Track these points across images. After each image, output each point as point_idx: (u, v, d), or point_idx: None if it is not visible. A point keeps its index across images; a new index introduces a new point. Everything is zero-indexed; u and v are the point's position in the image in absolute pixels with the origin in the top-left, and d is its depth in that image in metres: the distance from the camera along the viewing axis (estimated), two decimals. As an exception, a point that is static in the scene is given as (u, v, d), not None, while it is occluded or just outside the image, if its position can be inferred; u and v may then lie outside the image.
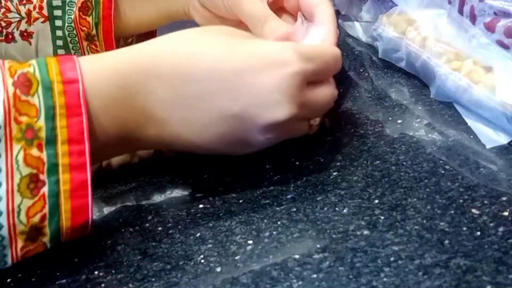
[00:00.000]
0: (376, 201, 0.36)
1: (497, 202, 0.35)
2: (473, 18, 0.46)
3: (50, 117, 0.32)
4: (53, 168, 0.32)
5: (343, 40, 0.65)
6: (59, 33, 0.53)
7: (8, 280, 0.34)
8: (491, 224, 0.33)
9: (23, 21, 0.52)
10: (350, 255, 0.32)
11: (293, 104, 0.36)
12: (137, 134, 0.37)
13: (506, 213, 0.34)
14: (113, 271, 0.34)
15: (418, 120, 0.45)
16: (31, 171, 0.32)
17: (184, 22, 0.52)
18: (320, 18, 0.46)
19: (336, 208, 0.36)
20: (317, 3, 0.46)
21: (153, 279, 0.33)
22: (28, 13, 0.52)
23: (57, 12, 0.52)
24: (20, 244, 0.32)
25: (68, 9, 0.52)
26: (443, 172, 0.38)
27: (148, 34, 0.59)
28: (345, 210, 0.36)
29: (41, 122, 0.32)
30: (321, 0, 0.46)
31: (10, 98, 0.32)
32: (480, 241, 0.32)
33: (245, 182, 0.40)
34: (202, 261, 0.34)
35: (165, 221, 0.38)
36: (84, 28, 0.52)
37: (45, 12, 0.52)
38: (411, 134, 0.43)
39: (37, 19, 0.52)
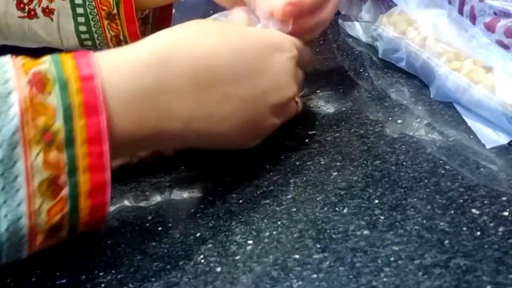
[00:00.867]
0: (376, 201, 0.36)
1: (497, 202, 0.35)
2: (473, 18, 0.46)
3: (68, 117, 0.32)
4: (73, 170, 0.32)
5: (343, 40, 0.65)
6: (79, 10, 0.52)
7: (8, 280, 0.34)
8: (491, 224, 0.33)
9: None
10: (350, 255, 0.32)
11: (295, 83, 0.42)
12: (158, 132, 0.36)
13: (506, 213, 0.34)
14: (113, 271, 0.34)
15: (418, 120, 0.45)
16: (51, 173, 0.31)
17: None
18: None
19: (336, 208, 0.36)
20: None
21: (153, 279, 0.33)
22: None
23: None
24: (39, 240, 0.32)
25: None
26: (443, 172, 0.38)
27: (164, 9, 0.59)
28: (345, 210, 0.36)
29: (59, 123, 0.31)
30: None
31: (26, 98, 0.31)
32: (480, 241, 0.32)
33: (245, 182, 0.40)
34: (202, 261, 0.34)
35: (165, 221, 0.38)
36: (104, 8, 0.51)
37: None
38: (411, 134, 0.43)
39: None
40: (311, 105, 0.50)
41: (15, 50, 0.36)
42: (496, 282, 0.29)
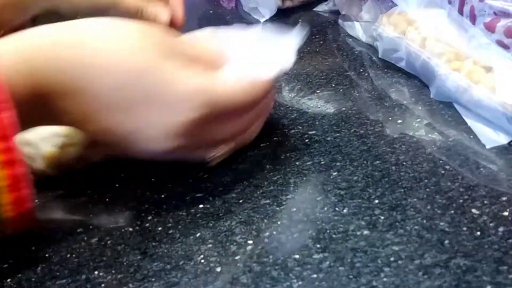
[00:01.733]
0: (376, 201, 0.36)
1: (497, 202, 0.35)
2: (473, 18, 0.46)
3: None
4: None
5: (343, 40, 0.65)
6: None
7: (8, 280, 0.34)
8: (491, 224, 0.33)
9: None
10: (350, 255, 0.32)
11: (182, 139, 0.37)
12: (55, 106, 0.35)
13: (506, 213, 0.34)
14: (113, 271, 0.34)
15: (418, 120, 0.45)
16: None
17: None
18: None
19: (336, 208, 0.36)
20: None
21: (153, 279, 0.33)
22: None
23: None
24: None
25: None
26: (443, 172, 0.38)
27: None
28: (345, 210, 0.36)
29: None
30: None
31: None
32: (480, 241, 0.32)
33: (245, 182, 0.40)
34: (202, 261, 0.34)
35: (165, 221, 0.38)
36: None
37: None
38: (411, 134, 0.43)
39: None
40: (311, 105, 0.50)
41: None
42: (496, 282, 0.29)
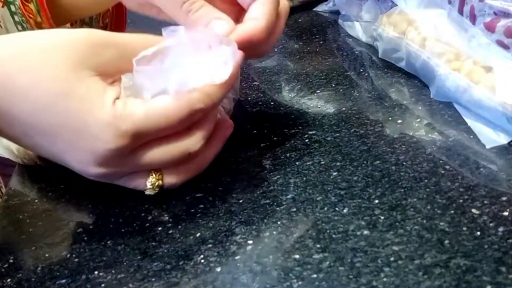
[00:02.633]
0: (376, 201, 0.36)
1: (497, 202, 0.35)
2: (473, 18, 0.46)
3: None
4: None
5: (343, 40, 0.65)
6: (17, 18, 0.52)
7: (8, 280, 0.35)
8: (491, 224, 0.33)
9: None
10: (350, 255, 0.32)
11: (105, 168, 0.36)
12: None
13: (506, 213, 0.34)
14: (113, 271, 0.34)
15: (418, 120, 0.45)
16: None
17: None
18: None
19: (336, 208, 0.36)
20: None
21: (153, 279, 0.33)
22: None
23: None
24: None
25: None
26: (443, 172, 0.38)
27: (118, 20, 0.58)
28: (345, 210, 0.36)
29: None
30: None
31: None
32: (480, 241, 0.32)
33: (245, 182, 0.40)
34: (202, 261, 0.34)
35: (165, 221, 0.38)
36: (31, 16, 0.51)
37: None
38: (411, 134, 0.43)
39: None
40: (311, 105, 0.50)
41: None
42: (496, 282, 0.29)
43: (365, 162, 0.41)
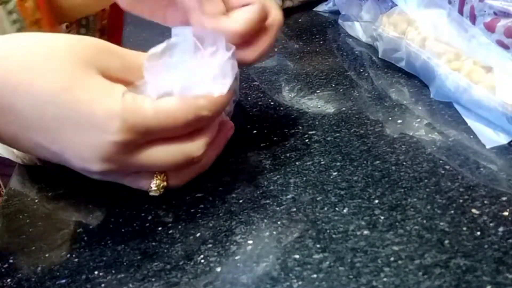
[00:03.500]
0: (376, 201, 0.36)
1: (497, 202, 0.35)
2: (473, 18, 0.46)
3: None
4: None
5: (343, 40, 0.65)
6: (13, 16, 0.51)
7: (8, 280, 0.35)
8: (491, 224, 0.33)
9: None
10: (350, 255, 0.32)
11: (109, 163, 0.35)
12: None
13: (506, 213, 0.34)
14: (113, 271, 0.34)
15: (418, 120, 0.45)
16: None
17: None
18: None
19: (336, 208, 0.36)
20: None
21: (153, 279, 0.33)
22: None
23: None
24: None
25: None
26: (443, 172, 0.38)
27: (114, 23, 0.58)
28: (345, 210, 0.36)
29: None
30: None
31: None
32: (480, 241, 0.32)
33: (245, 182, 0.40)
34: (202, 261, 0.34)
35: (165, 221, 0.38)
36: (28, 14, 0.50)
37: None
38: (411, 134, 0.43)
39: None
40: (311, 105, 0.50)
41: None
42: (496, 282, 0.29)
43: (365, 162, 0.41)
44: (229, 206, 0.38)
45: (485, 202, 0.35)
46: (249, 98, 0.54)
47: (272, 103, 0.52)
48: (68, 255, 0.36)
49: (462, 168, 0.38)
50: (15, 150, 0.47)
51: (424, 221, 0.34)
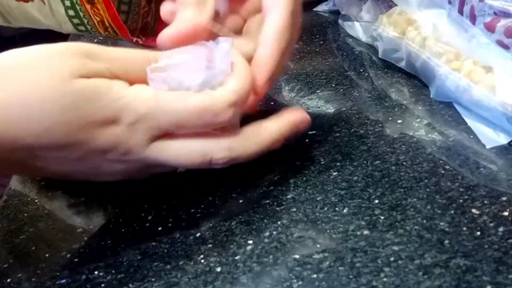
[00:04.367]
0: (376, 201, 0.36)
1: (497, 202, 0.35)
2: (473, 18, 0.46)
3: None
4: None
5: (343, 40, 0.65)
6: (67, 3, 0.51)
7: (8, 280, 0.34)
8: (491, 224, 0.33)
9: None
10: (350, 255, 0.32)
11: (131, 155, 0.35)
12: None
13: (506, 213, 0.34)
14: (113, 271, 0.34)
15: (418, 120, 0.45)
16: None
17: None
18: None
19: (336, 208, 0.36)
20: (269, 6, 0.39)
21: (153, 279, 0.33)
22: None
23: None
24: None
25: None
26: (443, 172, 0.38)
27: None
28: (345, 210, 0.36)
29: None
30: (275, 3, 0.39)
31: None
32: (480, 241, 0.32)
33: (245, 182, 0.40)
34: (202, 261, 0.34)
35: (165, 221, 0.38)
36: (97, 16, 0.50)
37: None
38: (411, 134, 0.43)
39: None
40: (311, 105, 0.50)
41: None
42: (496, 282, 0.29)
43: (365, 162, 0.41)
44: (229, 206, 0.38)
45: (485, 202, 0.35)
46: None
47: (272, 103, 0.52)
48: (68, 255, 0.36)
49: (462, 168, 0.38)
50: None
51: (424, 221, 0.34)
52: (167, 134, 0.34)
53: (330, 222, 0.35)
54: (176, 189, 0.40)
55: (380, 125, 0.45)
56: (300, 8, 0.41)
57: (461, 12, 0.47)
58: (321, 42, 0.66)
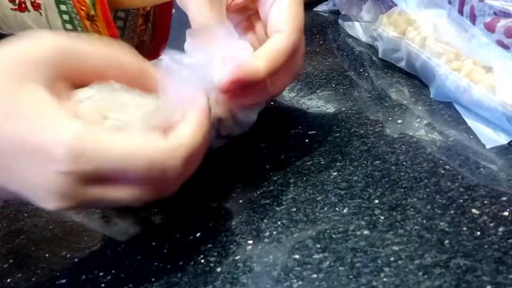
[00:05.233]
0: (376, 201, 0.36)
1: (497, 202, 0.35)
2: (473, 18, 0.46)
3: None
4: None
5: (343, 40, 0.65)
6: (63, 7, 0.51)
7: (8, 280, 0.35)
8: (491, 224, 0.33)
9: None
10: (350, 255, 0.32)
11: (65, 200, 0.29)
12: None
13: (506, 213, 0.34)
14: (113, 271, 0.34)
15: (418, 120, 0.45)
16: None
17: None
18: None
19: (336, 208, 0.36)
20: (278, 29, 0.39)
21: (153, 279, 0.33)
22: None
23: None
24: None
25: None
26: (443, 172, 0.38)
27: (164, 8, 0.57)
28: (345, 210, 0.36)
29: None
30: (286, 28, 0.39)
31: None
32: (480, 241, 0.32)
33: (245, 182, 0.40)
34: (202, 261, 0.34)
35: (165, 221, 0.38)
36: (83, 8, 0.50)
37: None
38: (411, 134, 0.43)
39: None
40: (311, 105, 0.50)
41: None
42: (496, 282, 0.29)
43: (365, 162, 0.41)
44: (229, 206, 0.38)
45: (485, 202, 0.35)
46: (249, 98, 0.54)
47: (272, 103, 0.52)
48: (68, 255, 0.36)
49: (462, 168, 0.38)
50: None
51: (424, 221, 0.34)
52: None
53: (330, 222, 0.35)
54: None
55: (380, 125, 0.45)
56: (302, 40, 0.41)
57: (461, 12, 0.47)
58: (321, 42, 0.66)
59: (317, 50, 0.63)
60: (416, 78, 0.52)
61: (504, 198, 0.35)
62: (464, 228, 0.33)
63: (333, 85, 0.53)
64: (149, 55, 0.57)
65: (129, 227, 0.38)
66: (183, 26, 0.41)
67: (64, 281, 0.34)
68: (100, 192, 0.30)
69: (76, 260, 0.36)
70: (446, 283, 0.29)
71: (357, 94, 0.51)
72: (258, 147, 0.44)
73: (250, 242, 0.35)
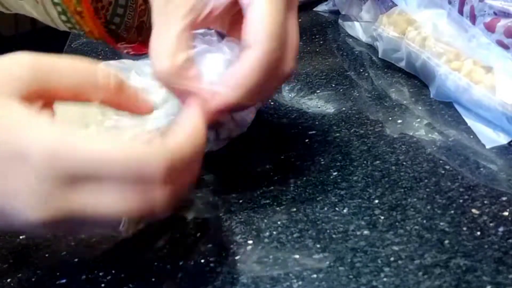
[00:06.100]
0: (376, 201, 0.36)
1: (497, 202, 0.35)
2: (473, 18, 0.46)
3: None
4: None
5: (343, 40, 0.65)
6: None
7: (8, 280, 0.34)
8: (491, 224, 0.33)
9: None
10: (350, 255, 0.32)
11: (45, 208, 0.28)
12: None
13: (506, 213, 0.34)
14: (113, 271, 0.34)
15: (418, 120, 0.45)
16: None
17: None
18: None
19: (336, 208, 0.36)
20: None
21: (153, 279, 0.33)
22: None
23: None
24: None
25: None
26: (443, 172, 0.38)
27: None
28: (345, 210, 0.36)
29: None
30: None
31: None
32: (480, 241, 0.32)
33: (245, 182, 0.40)
34: (202, 261, 0.34)
35: (165, 221, 0.38)
36: (70, 4, 0.50)
37: None
38: (411, 134, 0.43)
39: None
40: (311, 105, 0.50)
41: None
42: (496, 282, 0.29)
43: (365, 162, 0.41)
44: (229, 206, 0.38)
45: (485, 202, 0.35)
46: (249, 98, 0.54)
47: (272, 103, 0.52)
48: (68, 255, 0.36)
49: (462, 168, 0.38)
50: None
51: (424, 221, 0.34)
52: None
53: (330, 222, 0.35)
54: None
55: (380, 125, 0.45)
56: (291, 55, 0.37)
57: (461, 12, 0.47)
58: (321, 42, 0.66)
59: (317, 50, 0.63)
60: (416, 78, 0.52)
61: (504, 198, 0.35)
62: (464, 228, 0.33)
63: (333, 85, 0.53)
64: (142, 43, 0.56)
65: (129, 227, 0.38)
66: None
67: (64, 281, 0.34)
68: (82, 199, 0.28)
69: (76, 260, 0.36)
70: (446, 283, 0.29)
71: (357, 94, 0.51)
72: (258, 148, 0.44)
73: (250, 242, 0.35)
